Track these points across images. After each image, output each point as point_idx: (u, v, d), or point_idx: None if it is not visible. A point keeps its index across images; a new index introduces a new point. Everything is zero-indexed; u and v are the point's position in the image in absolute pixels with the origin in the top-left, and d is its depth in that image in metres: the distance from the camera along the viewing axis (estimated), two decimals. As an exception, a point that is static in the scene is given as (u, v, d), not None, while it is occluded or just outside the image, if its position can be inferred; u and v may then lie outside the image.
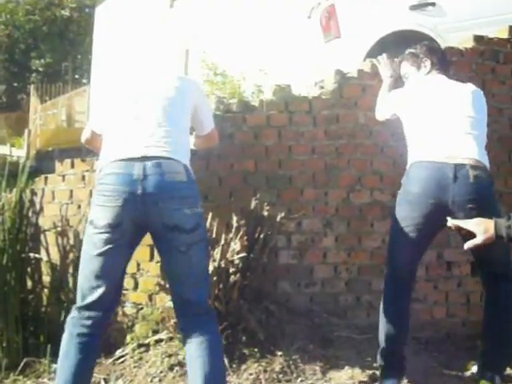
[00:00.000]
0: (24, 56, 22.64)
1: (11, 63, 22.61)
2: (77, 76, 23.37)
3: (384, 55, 4.01)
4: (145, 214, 2.69)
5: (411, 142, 3.47)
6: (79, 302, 2.79)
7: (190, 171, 2.82)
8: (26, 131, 14.23)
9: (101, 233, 2.69)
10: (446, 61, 3.71)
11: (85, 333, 2.76)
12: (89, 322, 2.76)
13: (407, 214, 3.33)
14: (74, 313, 2.80)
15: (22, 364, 3.64)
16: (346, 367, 3.64)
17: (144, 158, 2.71)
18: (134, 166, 2.70)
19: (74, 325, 2.78)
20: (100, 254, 2.70)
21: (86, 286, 2.76)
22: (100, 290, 2.74)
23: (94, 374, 3.59)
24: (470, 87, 3.54)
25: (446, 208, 3.22)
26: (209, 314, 2.87)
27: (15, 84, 23.30)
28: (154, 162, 2.71)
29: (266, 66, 5.96)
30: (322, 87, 4.23)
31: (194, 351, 2.76)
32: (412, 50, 3.70)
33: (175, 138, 2.83)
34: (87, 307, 2.76)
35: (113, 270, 2.77)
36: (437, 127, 3.37)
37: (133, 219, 2.69)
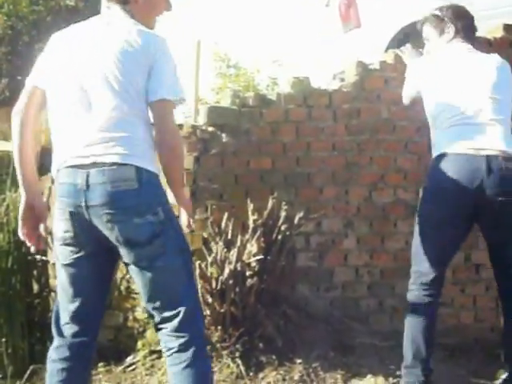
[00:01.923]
0: (27, 48, 22.66)
1: (14, 56, 22.66)
2: (82, 69, 23.36)
3: (408, 45, 3.96)
4: (94, 227, 2.49)
5: (434, 129, 3.40)
6: (54, 329, 2.67)
7: (144, 174, 2.48)
8: (30, 126, 14.21)
9: (60, 244, 2.58)
10: (473, 28, 3.56)
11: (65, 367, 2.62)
12: (68, 353, 2.62)
13: (435, 212, 3.27)
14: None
15: (28, 371, 3.63)
16: (369, 375, 3.61)
17: (87, 165, 2.46)
18: (77, 174, 2.47)
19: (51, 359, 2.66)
20: (64, 266, 2.59)
21: (60, 304, 2.65)
22: (73, 306, 2.61)
23: (104, 383, 3.61)
24: (495, 61, 3.43)
25: (477, 203, 3.17)
26: (190, 348, 2.54)
27: (18, 77, 23.33)
28: (98, 169, 2.44)
29: (281, 58, 5.93)
30: (342, 80, 4.19)
31: None
32: (437, 12, 3.55)
33: (129, 132, 2.49)
34: (63, 332, 2.64)
35: (80, 283, 2.60)
36: (460, 111, 3.28)
37: (85, 232, 2.52)
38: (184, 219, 2.76)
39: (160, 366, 3.64)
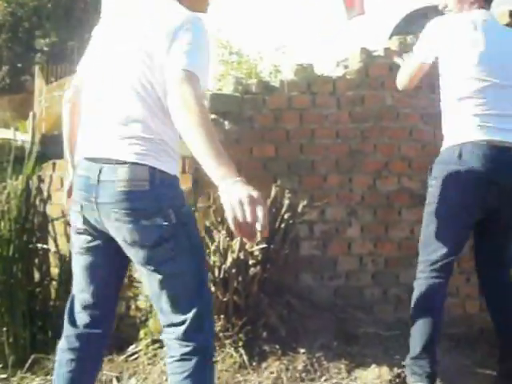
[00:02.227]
0: (28, 35, 22.66)
1: (14, 43, 22.65)
2: (83, 56, 23.34)
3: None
4: (103, 223, 2.44)
5: (455, 112, 3.28)
6: (66, 318, 2.65)
7: (158, 175, 2.37)
8: (31, 114, 14.23)
9: (74, 234, 2.57)
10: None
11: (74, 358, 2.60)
12: (78, 343, 2.60)
13: (457, 200, 3.21)
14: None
15: (29, 361, 3.63)
16: (373, 365, 3.58)
17: (102, 160, 2.40)
18: (91, 167, 2.43)
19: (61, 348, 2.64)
20: (77, 254, 2.58)
21: (74, 294, 2.65)
22: (85, 295, 2.58)
23: (106, 372, 3.60)
24: None
25: (499, 192, 3.17)
26: (193, 359, 2.45)
27: (19, 65, 23.34)
28: (111, 166, 2.37)
29: (284, 45, 5.90)
30: (346, 67, 4.18)
31: None
32: None
33: (149, 130, 2.38)
34: (75, 321, 2.62)
35: (93, 273, 2.56)
36: (484, 92, 3.20)
37: (97, 225, 2.47)
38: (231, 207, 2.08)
39: (162, 356, 3.63)
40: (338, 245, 4.09)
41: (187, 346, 2.43)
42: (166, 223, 2.36)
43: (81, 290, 2.60)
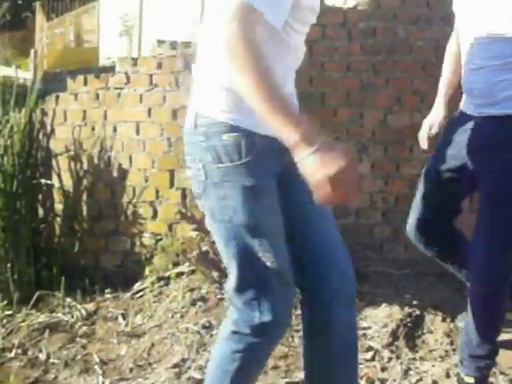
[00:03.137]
0: (28, -30, 22.34)
1: (15, -22, 22.35)
2: (85, -9, 23.08)
3: None
4: None
5: None
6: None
7: (199, 120, 2.04)
8: (32, 51, 14.11)
9: None
10: None
11: None
12: None
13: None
14: None
15: (34, 297, 3.64)
16: (384, 304, 3.57)
17: None
18: None
19: None
20: None
21: None
22: None
23: (112, 309, 3.61)
24: None
25: None
26: (228, 323, 2.23)
27: (19, 1, 23.06)
28: None
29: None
30: (357, -3, 4.09)
31: None
32: None
33: (205, 71, 2.07)
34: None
35: None
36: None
37: None
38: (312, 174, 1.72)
39: (168, 293, 3.64)
40: (348, 182, 4.04)
41: (231, 304, 2.22)
42: (197, 178, 2.09)
43: None
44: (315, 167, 1.69)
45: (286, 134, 1.71)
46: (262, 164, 2.04)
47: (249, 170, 2.04)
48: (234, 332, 2.19)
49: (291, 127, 1.71)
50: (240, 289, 2.15)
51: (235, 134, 2.01)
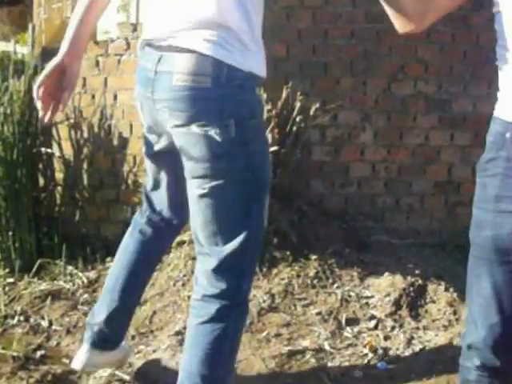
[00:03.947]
0: None
1: (12, -49, 22.17)
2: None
3: None
4: (162, 124, 2.19)
5: None
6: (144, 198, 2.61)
7: (225, 70, 2.01)
8: (30, 26, 14.03)
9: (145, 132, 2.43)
10: None
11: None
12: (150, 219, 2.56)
13: None
14: None
15: (36, 266, 3.66)
16: (386, 273, 3.58)
17: (164, 47, 2.09)
18: (151, 56, 2.14)
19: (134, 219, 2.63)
20: (145, 155, 2.50)
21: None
22: (155, 194, 2.51)
23: (113, 278, 3.62)
24: None
25: None
26: (215, 304, 2.18)
27: (17, -24, 22.90)
28: (170, 53, 2.06)
29: None
30: (362, -38, 4.06)
31: None
32: None
33: (223, 17, 2.03)
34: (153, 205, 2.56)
35: (158, 174, 2.47)
36: None
37: (157, 125, 2.23)
38: None
39: (169, 262, 3.65)
40: (350, 151, 4.06)
41: (213, 286, 2.16)
42: (221, 136, 2.02)
43: (149, 190, 2.50)
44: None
45: None
46: None
47: (264, 127, 2.15)
48: (226, 306, 2.17)
49: None
50: (240, 253, 2.14)
51: (259, 89, 2.11)
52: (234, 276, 2.16)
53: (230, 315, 2.19)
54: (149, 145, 2.37)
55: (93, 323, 2.61)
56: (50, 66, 2.25)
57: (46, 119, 2.28)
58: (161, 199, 2.48)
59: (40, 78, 2.25)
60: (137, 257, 2.56)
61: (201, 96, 2.01)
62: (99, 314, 2.59)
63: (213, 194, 2.09)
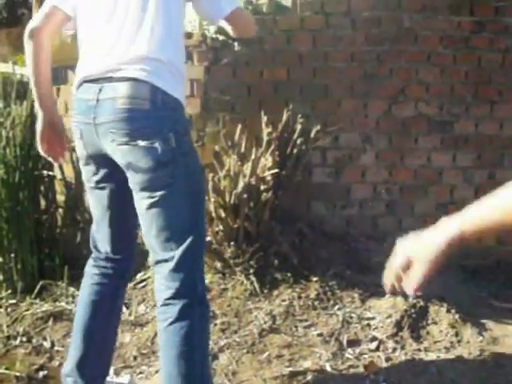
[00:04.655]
0: (25, -35, 22.32)
1: (11, -26, 22.33)
2: (83, -12, 22.95)
3: None
4: (102, 146, 2.44)
5: None
6: (91, 244, 2.77)
7: (160, 95, 2.37)
8: (30, 48, 14.07)
9: (82, 165, 2.62)
10: None
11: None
12: (103, 263, 2.71)
13: None
14: None
15: (38, 287, 3.71)
16: (387, 295, 3.58)
17: (103, 79, 2.39)
18: (91, 89, 2.43)
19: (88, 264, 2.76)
20: (87, 186, 2.67)
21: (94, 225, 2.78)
22: (101, 226, 2.68)
23: (115, 299, 3.66)
24: None
25: None
26: (178, 304, 2.39)
27: (16, -3, 23.06)
28: (111, 84, 2.37)
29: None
30: (361, -15, 4.13)
31: None
32: None
33: (157, 52, 2.40)
34: (98, 248, 2.74)
35: (104, 205, 2.63)
36: None
37: (97, 152, 2.48)
38: None
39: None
40: (352, 172, 4.12)
41: (171, 288, 2.37)
42: (164, 146, 2.32)
43: (97, 222, 2.65)
44: None
45: None
46: None
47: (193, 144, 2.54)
48: (187, 305, 2.38)
49: None
50: (192, 253, 2.41)
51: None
52: (188, 274, 2.40)
53: (194, 312, 2.40)
54: (88, 178, 2.59)
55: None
56: (38, 130, 2.71)
57: (59, 162, 2.94)
58: (104, 238, 2.65)
59: (38, 140, 2.72)
60: (92, 308, 2.68)
61: (142, 116, 2.34)
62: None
63: (162, 201, 2.36)
